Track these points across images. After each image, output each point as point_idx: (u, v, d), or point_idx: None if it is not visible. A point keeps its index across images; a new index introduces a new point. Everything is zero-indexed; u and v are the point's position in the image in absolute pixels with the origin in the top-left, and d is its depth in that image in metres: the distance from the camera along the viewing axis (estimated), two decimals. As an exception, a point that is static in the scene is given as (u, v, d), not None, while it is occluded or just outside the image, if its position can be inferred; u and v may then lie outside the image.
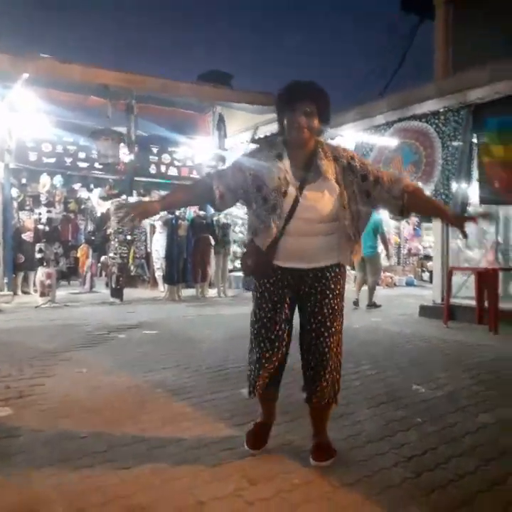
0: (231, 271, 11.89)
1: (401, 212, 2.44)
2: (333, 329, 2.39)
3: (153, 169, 11.68)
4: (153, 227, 11.05)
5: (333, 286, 2.40)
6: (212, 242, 10.34)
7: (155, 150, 11.69)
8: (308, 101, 2.34)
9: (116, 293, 9.16)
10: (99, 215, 11.74)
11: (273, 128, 6.51)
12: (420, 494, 2.08)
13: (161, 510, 1.96)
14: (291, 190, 2.34)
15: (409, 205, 2.42)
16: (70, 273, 11.70)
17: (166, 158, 11.83)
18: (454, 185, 5.91)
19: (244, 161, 2.50)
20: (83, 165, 10.98)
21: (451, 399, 3.40)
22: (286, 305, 2.45)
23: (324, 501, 2.03)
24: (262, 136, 10.49)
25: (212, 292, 10.54)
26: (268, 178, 2.37)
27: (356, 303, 8.54)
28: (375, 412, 3.12)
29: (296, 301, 2.48)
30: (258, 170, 2.41)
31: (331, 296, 2.39)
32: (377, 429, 2.81)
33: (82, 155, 10.92)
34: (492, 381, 3.89)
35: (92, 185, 11.51)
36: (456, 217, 2.54)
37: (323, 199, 2.35)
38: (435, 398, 3.41)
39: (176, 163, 12.00)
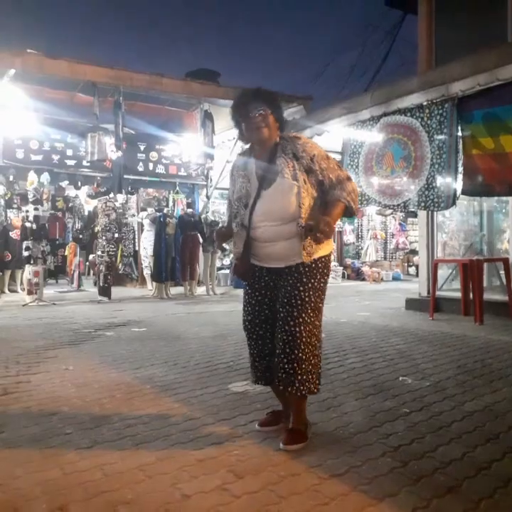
0: (220, 269, 11.88)
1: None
2: (301, 319, 2.43)
3: (141, 167, 11.64)
4: (141, 225, 11.00)
5: (305, 279, 2.46)
6: (201, 239, 10.31)
7: (142, 147, 11.65)
8: (259, 102, 2.49)
9: (104, 291, 9.11)
10: (86, 213, 11.67)
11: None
12: (408, 483, 2.08)
13: (145, 505, 1.93)
14: (252, 196, 2.52)
15: None
16: (57, 271, 11.65)
17: (153, 155, 11.79)
18: (444, 179, 5.93)
19: (230, 172, 2.76)
20: (71, 162, 10.91)
21: (438, 389, 3.41)
22: (265, 306, 2.58)
23: (311, 493, 2.01)
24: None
25: (200, 290, 10.53)
26: (236, 187, 2.60)
27: None
28: (363, 403, 3.12)
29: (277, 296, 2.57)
30: (233, 179, 2.68)
31: (301, 288, 2.46)
32: (364, 421, 2.81)
33: (69, 152, 10.86)
34: (478, 370, 3.92)
35: (79, 183, 11.42)
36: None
37: (280, 202, 2.45)
38: (422, 388, 3.42)
39: (164, 160, 11.97)
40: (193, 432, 2.66)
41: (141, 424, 2.79)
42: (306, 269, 2.46)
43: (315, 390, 2.51)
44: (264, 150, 2.55)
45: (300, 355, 2.42)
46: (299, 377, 2.43)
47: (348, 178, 2.52)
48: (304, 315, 2.43)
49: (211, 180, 12.50)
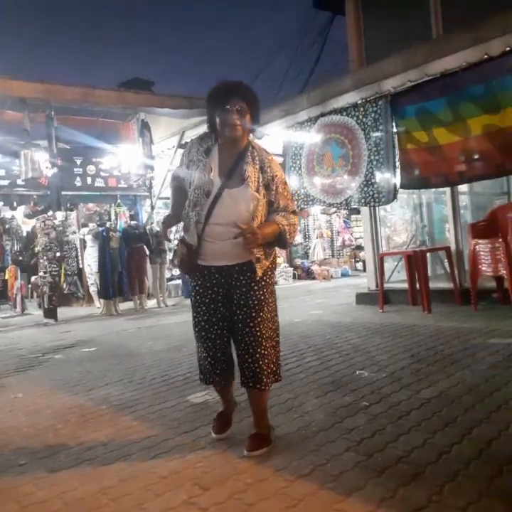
0: (169, 279, 11.72)
1: None
2: (260, 319, 2.44)
3: (78, 182, 11.33)
4: (83, 241, 10.71)
5: (257, 278, 2.45)
6: (147, 251, 10.14)
7: (79, 162, 11.34)
8: (239, 99, 2.40)
9: (50, 313, 8.79)
10: (25, 233, 11.26)
11: (199, 132, 6.48)
12: (373, 475, 2.10)
13: (110, 530, 1.87)
14: (213, 191, 2.42)
15: None
16: (-2, 297, 11.16)
17: (91, 169, 11.50)
18: (383, 175, 6.09)
19: (177, 169, 2.64)
20: (4, 182, 10.51)
21: (394, 379, 3.47)
22: (220, 304, 2.52)
23: (279, 496, 2.00)
24: (188, 140, 10.42)
25: (151, 303, 10.34)
26: (195, 172, 2.46)
27: None
28: (323, 401, 3.14)
29: (230, 294, 2.53)
30: (190, 161, 2.53)
31: (255, 288, 2.45)
32: (326, 418, 2.83)
33: (1, 172, 10.45)
34: (431, 357, 4.01)
35: (15, 203, 10.99)
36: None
37: (238, 207, 2.40)
38: (379, 380, 3.47)
39: (102, 173, 11.70)
40: (154, 448, 2.60)
41: (100, 446, 2.69)
42: (255, 266, 2.46)
43: (279, 379, 2.58)
44: (233, 148, 2.47)
45: (263, 352, 2.44)
46: (265, 373, 2.45)
47: (294, 212, 2.53)
48: (261, 313, 2.44)
49: (153, 188, 12.32)
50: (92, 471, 2.39)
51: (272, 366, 2.50)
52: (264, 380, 2.45)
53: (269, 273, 2.51)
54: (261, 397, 2.54)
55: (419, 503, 1.85)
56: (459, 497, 1.87)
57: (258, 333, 2.42)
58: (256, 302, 2.43)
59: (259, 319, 2.43)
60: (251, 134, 2.57)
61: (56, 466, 2.47)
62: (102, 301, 9.75)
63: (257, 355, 2.43)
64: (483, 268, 5.99)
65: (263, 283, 2.46)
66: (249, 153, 2.46)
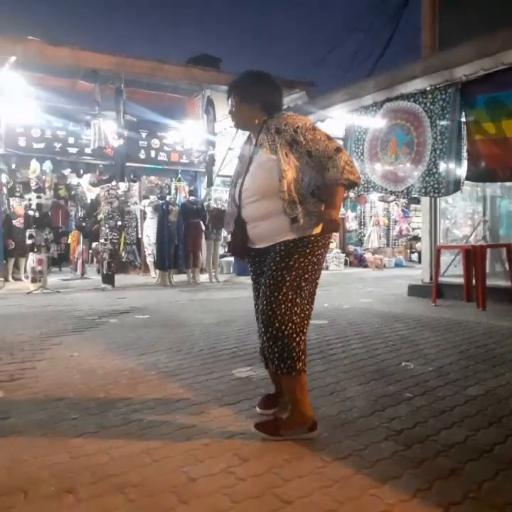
0: (222, 256, 11.90)
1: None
2: (273, 298, 2.40)
3: (142, 154, 11.62)
4: (143, 212, 11.01)
5: (278, 259, 2.45)
6: (203, 227, 10.32)
7: (144, 134, 11.62)
8: (229, 94, 2.63)
9: (108, 279, 9.14)
10: (89, 201, 11.68)
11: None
12: (410, 466, 2.10)
13: (153, 488, 1.96)
14: (241, 175, 2.61)
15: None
16: (61, 259, 11.70)
17: (155, 142, 11.76)
18: (446, 165, 5.91)
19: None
20: (73, 150, 10.91)
21: (441, 373, 3.43)
22: None
23: (315, 475, 2.03)
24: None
25: (203, 277, 10.55)
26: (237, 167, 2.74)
27: None
28: (366, 388, 3.14)
29: None
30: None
31: (274, 268, 2.45)
32: (367, 405, 2.83)
33: (71, 140, 10.85)
34: (481, 355, 3.93)
35: (81, 171, 11.44)
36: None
37: (258, 173, 2.51)
38: (425, 373, 3.44)
39: (166, 148, 11.94)
40: (197, 416, 2.69)
41: (147, 409, 2.81)
42: (282, 248, 2.44)
43: (300, 368, 2.42)
44: (253, 133, 2.65)
45: (275, 333, 2.39)
46: (278, 355, 2.40)
47: (337, 150, 2.40)
48: (276, 293, 2.40)
49: (214, 166, 12.40)
50: (138, 431, 2.51)
51: (292, 352, 2.39)
52: (276, 362, 2.41)
53: (297, 256, 2.42)
54: (285, 382, 2.49)
55: (455, 498, 1.84)
56: (496, 496, 1.85)
57: (270, 313, 2.39)
58: (272, 281, 2.42)
59: (272, 298, 2.40)
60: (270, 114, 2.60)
61: (105, 423, 2.60)
62: (157, 271, 10.04)
63: (269, 335, 2.41)
64: (545, 268, 5.74)
65: (284, 264, 2.41)
66: (264, 126, 2.57)
